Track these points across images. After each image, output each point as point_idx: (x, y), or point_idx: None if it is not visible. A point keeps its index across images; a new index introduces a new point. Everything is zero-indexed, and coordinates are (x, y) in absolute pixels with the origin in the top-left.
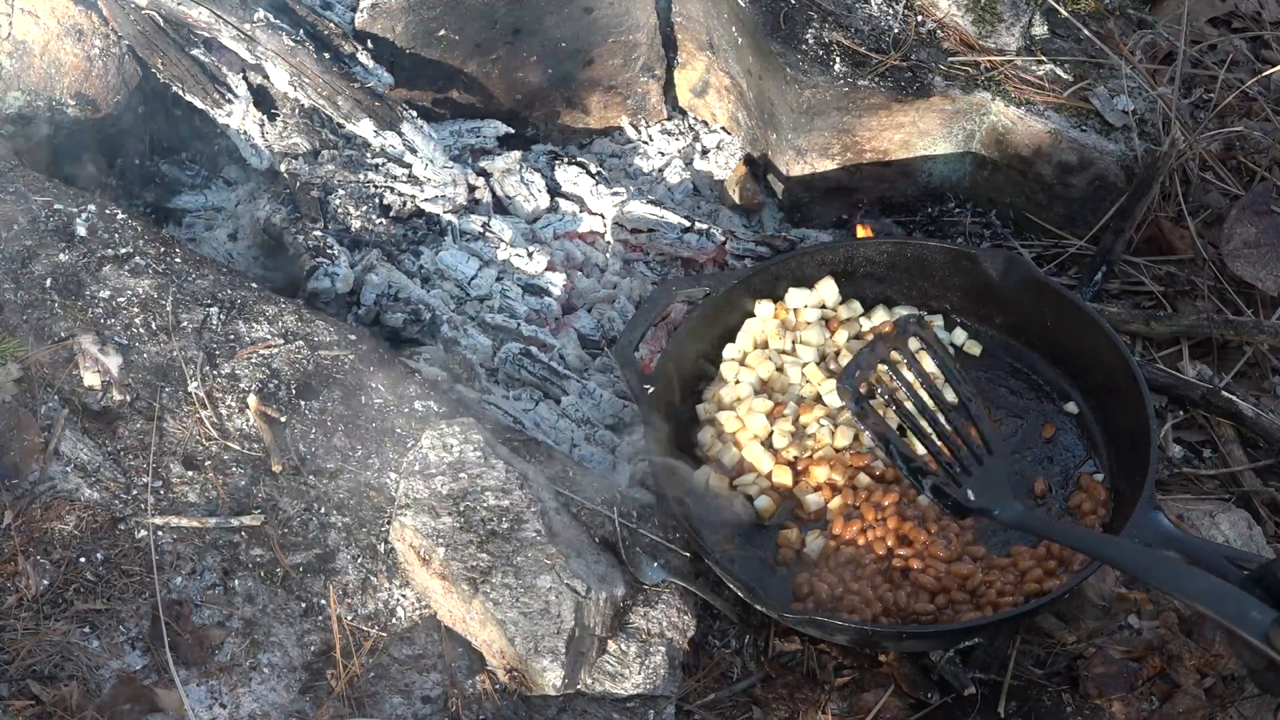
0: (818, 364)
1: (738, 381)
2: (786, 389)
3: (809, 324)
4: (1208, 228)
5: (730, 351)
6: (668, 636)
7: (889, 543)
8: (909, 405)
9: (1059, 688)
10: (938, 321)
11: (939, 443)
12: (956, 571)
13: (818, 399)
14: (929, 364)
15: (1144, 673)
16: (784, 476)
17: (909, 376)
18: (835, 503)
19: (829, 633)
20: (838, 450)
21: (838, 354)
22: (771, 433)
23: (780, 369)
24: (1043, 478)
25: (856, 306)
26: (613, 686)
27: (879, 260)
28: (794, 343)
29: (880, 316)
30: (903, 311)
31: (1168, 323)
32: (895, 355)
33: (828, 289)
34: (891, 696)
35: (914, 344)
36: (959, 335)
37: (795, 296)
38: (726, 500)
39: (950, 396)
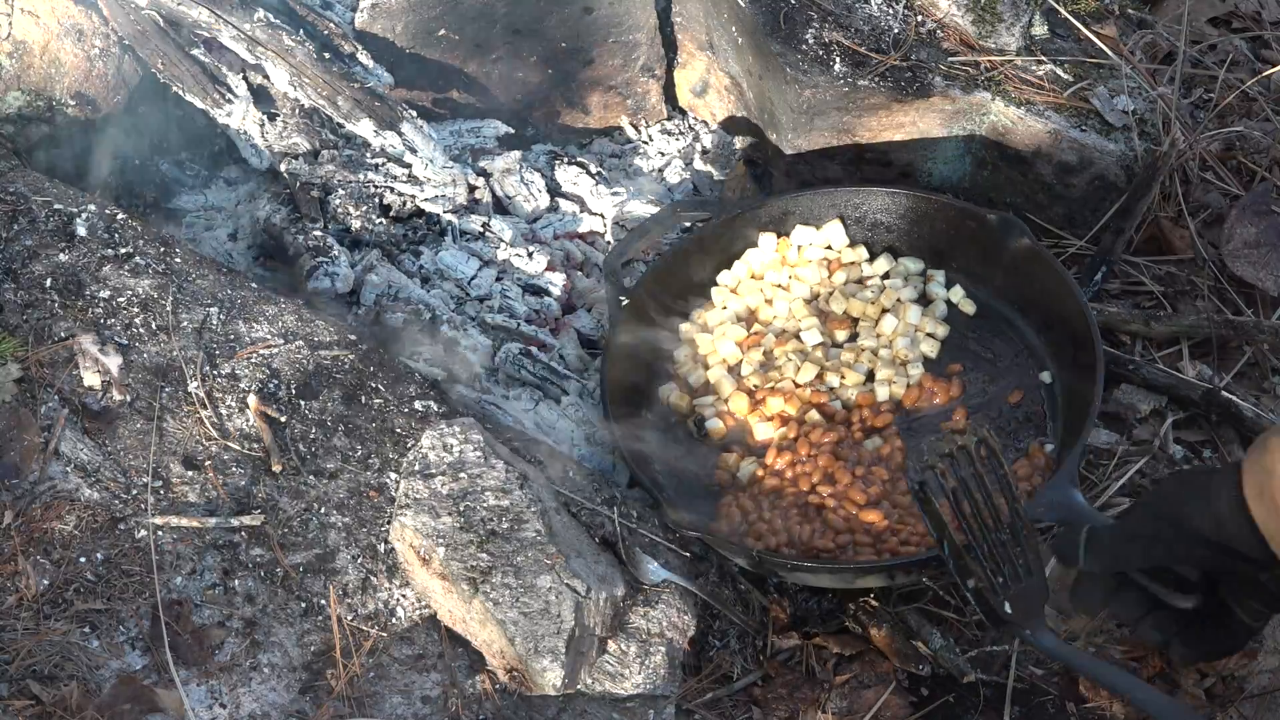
0: (807, 302)
1: (725, 307)
2: (770, 321)
3: (808, 262)
4: (1208, 228)
5: (725, 278)
6: (668, 636)
7: (814, 479)
8: (967, 505)
9: (1059, 688)
10: (939, 277)
11: (987, 549)
12: (864, 516)
13: (796, 334)
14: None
15: (1144, 673)
16: (740, 403)
17: (971, 477)
18: (778, 434)
19: (730, 554)
20: (798, 385)
21: (830, 295)
22: (741, 361)
23: (769, 301)
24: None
25: (862, 252)
26: (613, 686)
27: (890, 209)
28: (790, 277)
29: (883, 265)
30: (909, 264)
31: (1168, 323)
32: (963, 452)
33: (834, 231)
34: (892, 694)
35: (981, 452)
36: (956, 293)
37: (801, 234)
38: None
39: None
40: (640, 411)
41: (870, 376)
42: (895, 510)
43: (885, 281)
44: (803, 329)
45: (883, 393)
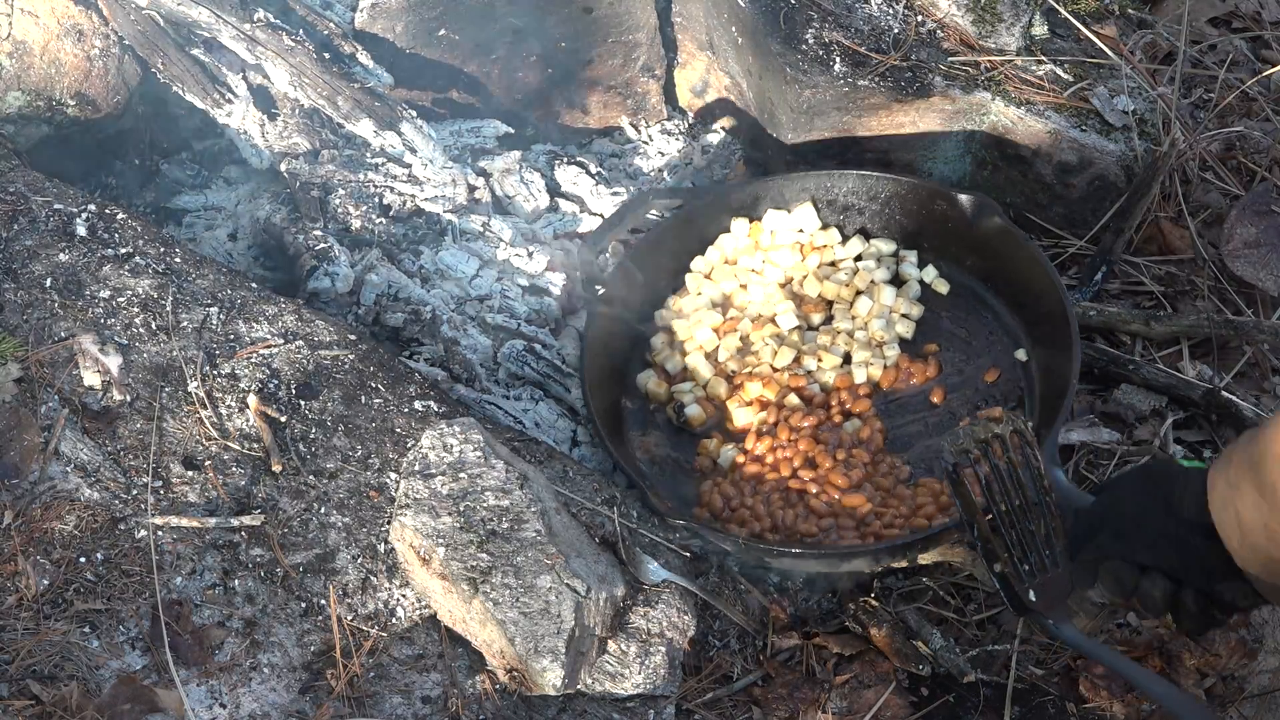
0: (781, 286)
1: (700, 293)
2: (745, 307)
3: (781, 246)
4: (1208, 228)
5: (699, 264)
6: (668, 636)
7: (795, 464)
8: (999, 491)
9: (1059, 688)
10: (911, 257)
11: (1016, 537)
12: (848, 501)
13: (772, 319)
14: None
15: None
16: (719, 388)
17: (1004, 465)
18: (757, 419)
19: (715, 540)
20: (775, 369)
21: (805, 279)
22: (718, 346)
23: (744, 286)
24: (969, 419)
25: (834, 235)
26: (613, 686)
27: (860, 192)
28: (764, 262)
29: (856, 247)
30: (882, 246)
31: (1168, 323)
32: (998, 440)
33: (806, 214)
34: (892, 694)
35: (1015, 441)
36: (929, 273)
37: (773, 218)
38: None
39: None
40: (620, 400)
41: (847, 359)
42: (878, 493)
43: (859, 264)
44: (778, 313)
45: (860, 375)
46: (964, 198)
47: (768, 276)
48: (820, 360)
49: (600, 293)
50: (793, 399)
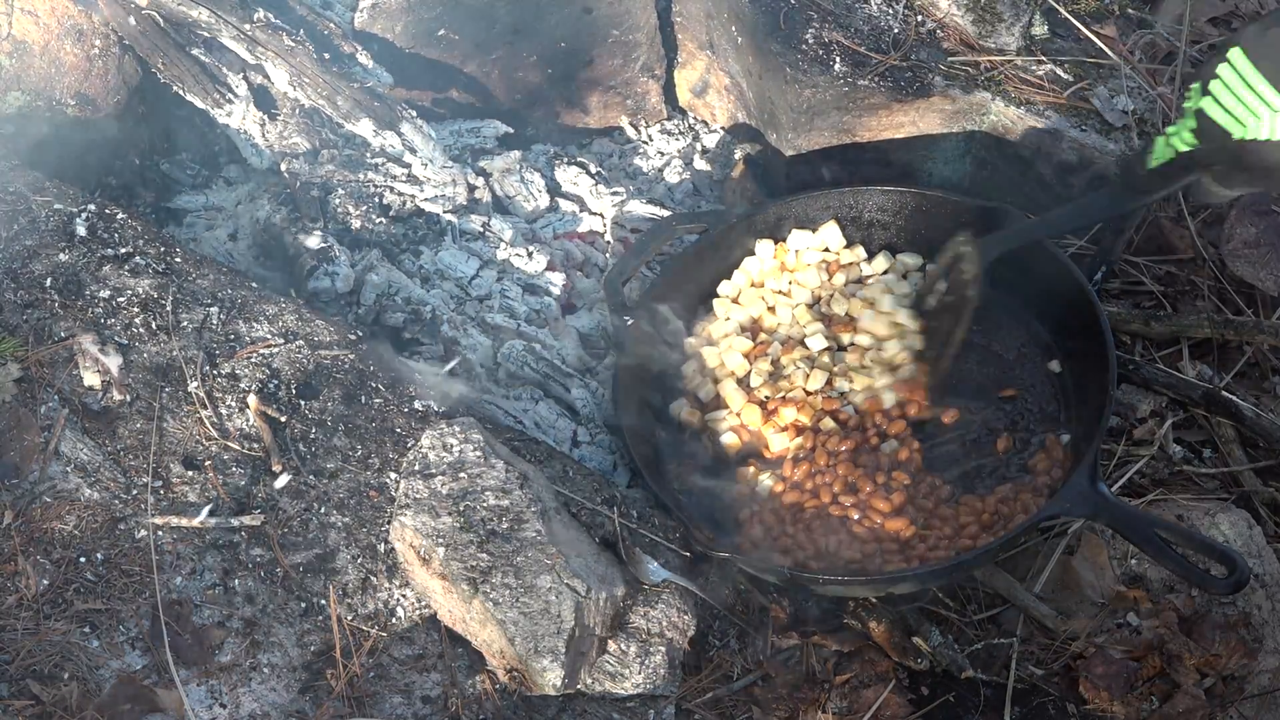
0: (809, 306)
1: (728, 318)
2: (774, 329)
3: (807, 266)
4: (1208, 228)
5: (726, 289)
6: (668, 636)
7: (835, 489)
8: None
9: (1059, 688)
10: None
11: None
12: (890, 525)
13: (801, 341)
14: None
15: (1144, 673)
16: (752, 415)
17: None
18: (794, 445)
19: (760, 572)
20: (809, 393)
21: (832, 297)
22: (750, 371)
23: (772, 309)
24: (1008, 434)
25: (860, 252)
26: (613, 686)
27: (885, 208)
28: (790, 283)
29: (881, 263)
30: (908, 260)
31: (1168, 323)
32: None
33: (830, 233)
34: (892, 693)
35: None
36: None
37: (798, 238)
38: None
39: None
40: (654, 430)
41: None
42: (920, 515)
43: (884, 278)
44: (808, 335)
45: (889, 398)
46: (990, 209)
47: (795, 298)
48: (853, 381)
49: (629, 324)
50: (828, 422)
